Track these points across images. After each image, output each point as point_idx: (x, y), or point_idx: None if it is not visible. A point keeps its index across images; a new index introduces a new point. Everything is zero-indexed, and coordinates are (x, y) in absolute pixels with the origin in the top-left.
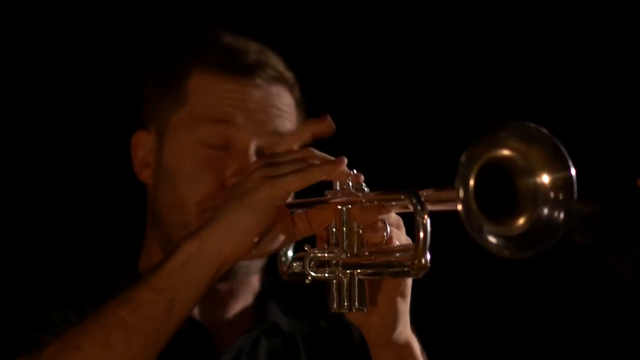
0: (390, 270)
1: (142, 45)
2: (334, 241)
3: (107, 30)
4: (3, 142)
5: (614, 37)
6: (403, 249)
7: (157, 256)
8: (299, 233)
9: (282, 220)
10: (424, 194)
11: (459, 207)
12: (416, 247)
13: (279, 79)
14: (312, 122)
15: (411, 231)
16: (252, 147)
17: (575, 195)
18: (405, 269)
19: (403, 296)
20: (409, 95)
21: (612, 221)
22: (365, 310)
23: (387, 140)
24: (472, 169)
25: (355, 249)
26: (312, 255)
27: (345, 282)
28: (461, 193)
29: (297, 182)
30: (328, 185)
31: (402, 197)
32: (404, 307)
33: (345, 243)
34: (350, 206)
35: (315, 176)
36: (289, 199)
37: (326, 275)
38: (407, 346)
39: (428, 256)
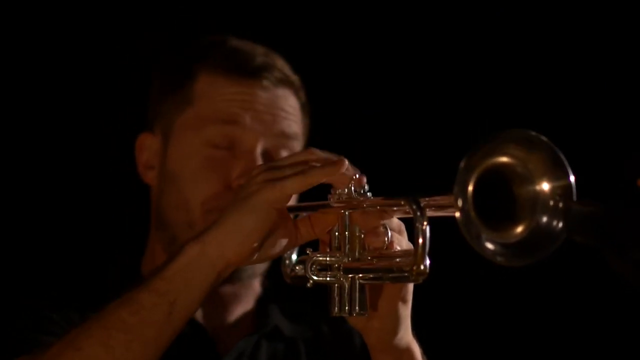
0: (391, 275)
1: (145, 47)
2: (336, 245)
3: (111, 32)
4: (8, 142)
5: (612, 40)
6: (404, 254)
7: (160, 258)
8: (301, 237)
9: (283, 224)
10: (425, 200)
11: (457, 214)
12: (415, 253)
13: (285, 82)
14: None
15: (413, 236)
16: (259, 148)
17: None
18: (405, 274)
19: (404, 301)
20: (411, 99)
21: (612, 221)
22: (366, 314)
23: (389, 143)
24: (470, 176)
25: (356, 254)
26: (314, 258)
27: (346, 286)
28: (459, 201)
29: (297, 184)
30: (331, 189)
31: (403, 202)
32: (405, 312)
33: (347, 247)
34: (352, 210)
35: (316, 179)
36: (292, 202)
37: (328, 279)
38: (408, 351)
39: (427, 262)
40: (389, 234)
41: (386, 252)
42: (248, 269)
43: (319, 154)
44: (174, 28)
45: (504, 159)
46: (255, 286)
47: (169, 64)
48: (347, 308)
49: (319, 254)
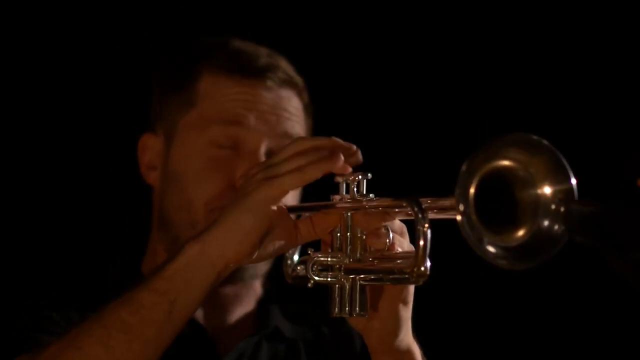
0: (391, 276)
1: (147, 47)
2: (337, 246)
3: (113, 33)
4: (8, 142)
5: (612, 40)
6: (405, 255)
7: (162, 258)
8: (302, 237)
9: (282, 223)
10: (427, 202)
11: (459, 217)
12: (416, 255)
13: (288, 83)
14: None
15: (414, 238)
16: (263, 148)
17: None
18: (406, 275)
19: (405, 303)
20: (413, 101)
21: (612, 221)
22: (366, 315)
23: (391, 144)
24: (472, 180)
25: (358, 255)
26: (315, 259)
27: (347, 287)
28: (461, 204)
29: (294, 181)
30: (334, 189)
31: (405, 204)
32: (406, 313)
33: (348, 248)
34: (354, 212)
35: (312, 175)
36: (295, 202)
37: (328, 279)
38: (409, 353)
39: (428, 264)
40: (391, 235)
41: (387, 253)
42: (250, 270)
43: (309, 142)
44: (175, 28)
45: (506, 163)
46: (257, 287)
47: (171, 65)
48: (347, 309)
49: (320, 254)
